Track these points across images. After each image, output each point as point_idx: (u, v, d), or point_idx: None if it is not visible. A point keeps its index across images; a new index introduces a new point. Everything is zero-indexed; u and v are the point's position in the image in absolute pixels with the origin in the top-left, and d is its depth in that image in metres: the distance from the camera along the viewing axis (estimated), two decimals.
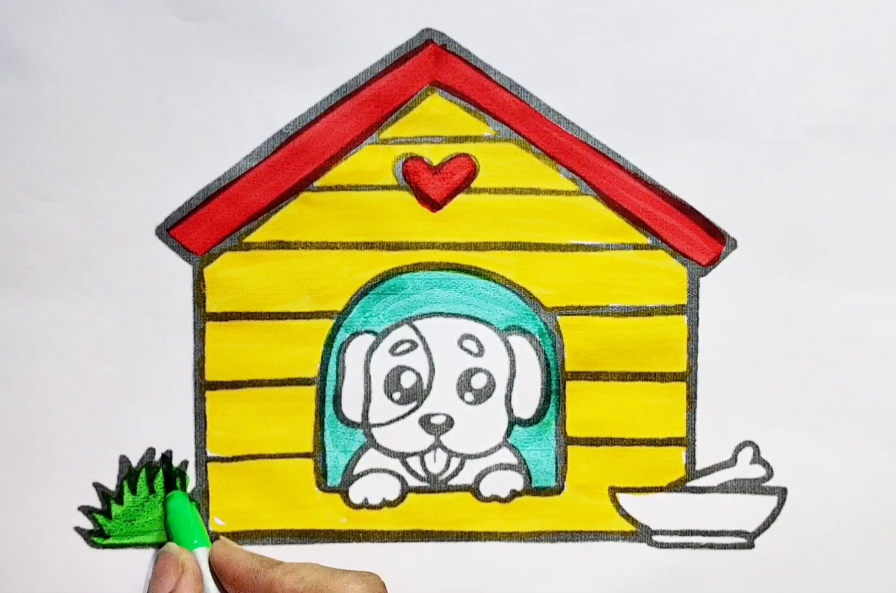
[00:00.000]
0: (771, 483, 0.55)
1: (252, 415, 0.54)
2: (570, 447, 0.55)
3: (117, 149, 0.53)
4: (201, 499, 0.54)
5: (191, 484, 0.54)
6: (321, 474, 0.55)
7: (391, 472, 0.55)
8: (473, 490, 0.55)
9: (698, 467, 0.55)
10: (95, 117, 0.53)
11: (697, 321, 0.54)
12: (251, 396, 0.54)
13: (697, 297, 0.54)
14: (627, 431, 0.55)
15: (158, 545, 0.54)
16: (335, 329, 0.54)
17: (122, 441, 0.54)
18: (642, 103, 0.53)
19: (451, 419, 0.54)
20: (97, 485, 0.54)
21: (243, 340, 0.54)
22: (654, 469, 0.55)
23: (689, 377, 0.54)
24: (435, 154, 0.54)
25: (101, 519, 0.54)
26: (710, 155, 0.53)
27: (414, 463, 0.55)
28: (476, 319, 0.54)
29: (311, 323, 0.54)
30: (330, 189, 0.54)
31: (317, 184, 0.54)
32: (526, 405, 0.55)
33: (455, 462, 0.55)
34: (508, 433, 0.55)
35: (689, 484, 0.55)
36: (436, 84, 0.53)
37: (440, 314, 0.54)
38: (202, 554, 0.51)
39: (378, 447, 0.54)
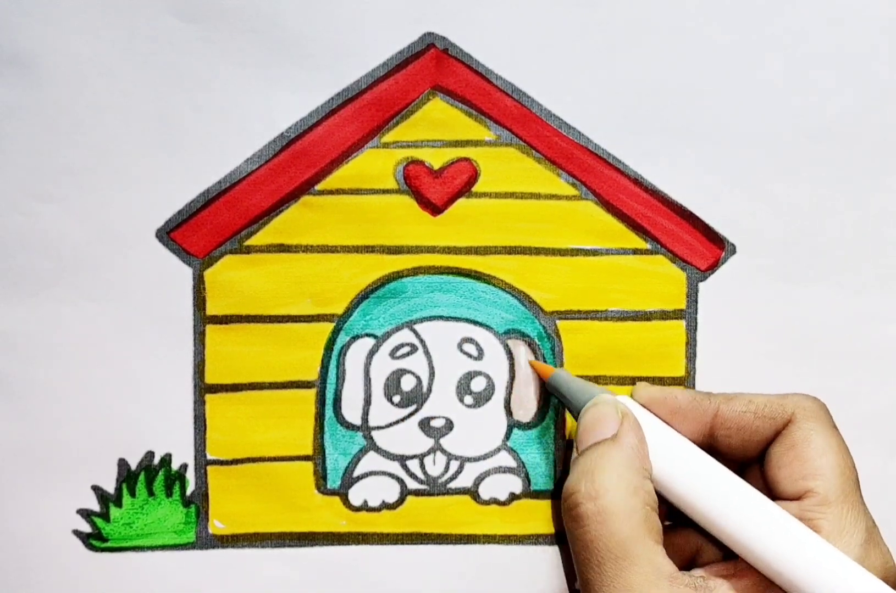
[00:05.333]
0: None
1: (252, 417, 0.54)
2: (569, 450, 0.55)
3: (118, 151, 0.53)
4: (201, 502, 0.54)
5: (190, 487, 0.54)
6: (321, 477, 0.55)
7: (391, 475, 0.55)
8: (472, 493, 0.55)
9: None
10: (96, 120, 0.52)
11: (696, 326, 0.55)
12: (251, 399, 0.54)
13: (696, 302, 0.55)
14: None
15: (157, 548, 0.54)
16: (335, 332, 0.54)
17: (120, 443, 0.54)
18: (643, 108, 0.53)
19: (451, 422, 0.54)
20: (96, 488, 0.54)
21: (243, 343, 0.54)
22: None
23: (687, 382, 0.55)
24: (436, 158, 0.54)
25: (99, 522, 0.54)
26: (709, 160, 0.54)
27: (413, 465, 0.55)
28: (476, 323, 0.55)
29: (311, 326, 0.54)
30: (331, 192, 0.54)
31: (318, 187, 0.54)
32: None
33: (454, 465, 0.55)
34: (508, 436, 0.55)
35: None
36: (437, 88, 0.53)
37: (440, 317, 0.54)
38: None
39: (378, 450, 0.55)
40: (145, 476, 0.54)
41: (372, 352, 0.54)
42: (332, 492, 0.55)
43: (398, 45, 0.53)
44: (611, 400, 0.49)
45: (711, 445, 0.50)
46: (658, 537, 0.46)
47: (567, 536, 0.47)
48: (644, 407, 0.50)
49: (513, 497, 0.55)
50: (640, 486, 0.46)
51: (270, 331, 0.54)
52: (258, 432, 0.54)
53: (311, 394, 0.54)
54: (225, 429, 0.54)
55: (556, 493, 0.55)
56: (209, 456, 0.54)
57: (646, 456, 0.47)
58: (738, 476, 0.48)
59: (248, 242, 0.54)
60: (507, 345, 0.55)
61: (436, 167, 0.54)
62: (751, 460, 0.50)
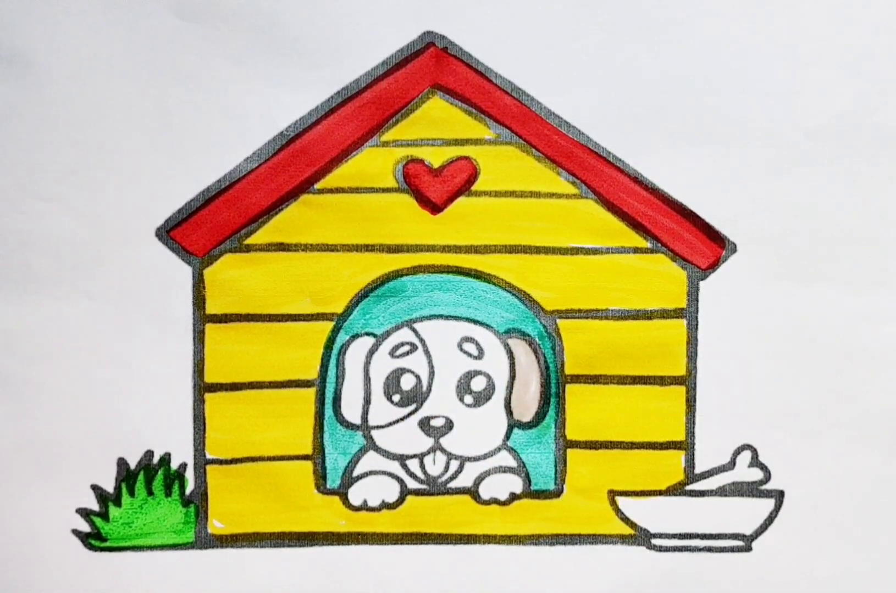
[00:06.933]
0: (768, 486, 0.55)
1: (251, 417, 0.54)
2: (569, 450, 0.55)
3: (118, 150, 0.53)
4: (200, 502, 0.54)
5: (189, 487, 0.54)
6: (320, 476, 0.54)
7: (390, 475, 0.55)
8: (472, 492, 0.55)
9: (697, 470, 0.55)
10: (96, 118, 0.53)
11: (697, 325, 0.54)
12: (250, 398, 0.54)
13: (697, 301, 0.54)
14: (627, 435, 0.55)
15: (156, 548, 0.54)
16: (335, 331, 0.54)
17: (120, 443, 0.54)
18: (643, 107, 0.53)
19: (451, 421, 0.54)
20: (95, 488, 0.54)
21: (243, 342, 0.54)
22: (654, 472, 0.55)
23: (688, 380, 0.54)
24: (436, 157, 0.54)
25: (98, 521, 0.54)
26: (710, 159, 0.54)
27: (413, 465, 0.54)
28: (476, 322, 0.54)
29: (311, 325, 0.54)
30: (330, 191, 0.54)
31: (317, 186, 0.54)
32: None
33: (454, 464, 0.55)
34: (508, 436, 0.55)
35: (688, 487, 0.55)
36: (437, 87, 0.53)
37: (440, 316, 0.54)
38: None
39: (377, 449, 0.54)
40: (144, 475, 0.54)
41: (372, 351, 0.54)
42: (332, 492, 0.55)
43: (398, 44, 0.53)
44: None
45: None
46: None
47: None
48: None
49: (513, 497, 0.55)
50: None
51: (270, 330, 0.54)
52: (258, 431, 0.54)
53: (310, 393, 0.54)
54: (224, 428, 0.54)
55: (557, 493, 0.55)
56: (208, 456, 0.54)
57: None
58: None
59: (248, 241, 0.54)
60: (508, 345, 0.55)
61: (435, 166, 0.54)
62: None
